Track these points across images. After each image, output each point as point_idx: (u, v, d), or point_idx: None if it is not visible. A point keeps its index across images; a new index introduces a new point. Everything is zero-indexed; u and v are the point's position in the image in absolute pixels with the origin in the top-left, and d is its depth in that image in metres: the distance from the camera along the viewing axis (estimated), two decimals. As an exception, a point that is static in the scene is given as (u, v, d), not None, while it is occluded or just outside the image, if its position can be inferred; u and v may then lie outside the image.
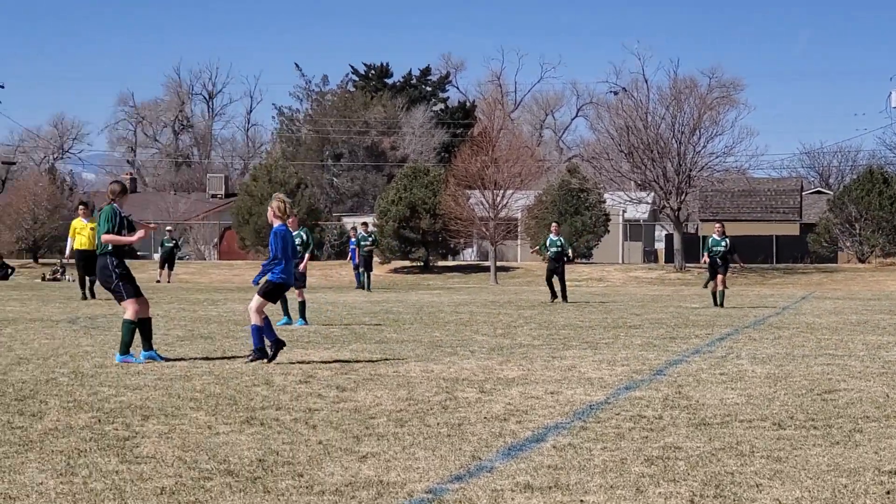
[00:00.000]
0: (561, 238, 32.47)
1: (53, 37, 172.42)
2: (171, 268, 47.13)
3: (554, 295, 31.67)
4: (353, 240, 42.16)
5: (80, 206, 30.25)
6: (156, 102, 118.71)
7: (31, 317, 22.55)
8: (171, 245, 47.22)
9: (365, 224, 44.09)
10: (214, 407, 10.53)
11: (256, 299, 14.24)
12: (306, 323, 21.34)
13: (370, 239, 41.95)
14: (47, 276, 51.55)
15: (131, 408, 10.45)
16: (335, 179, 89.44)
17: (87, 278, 28.95)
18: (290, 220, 16.58)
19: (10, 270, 52.09)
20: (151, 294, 34.07)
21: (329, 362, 14.40)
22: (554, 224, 34.51)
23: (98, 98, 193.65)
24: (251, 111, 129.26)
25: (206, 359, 14.67)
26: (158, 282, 45.51)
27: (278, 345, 14.11)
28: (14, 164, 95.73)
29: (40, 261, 61.29)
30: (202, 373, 13.10)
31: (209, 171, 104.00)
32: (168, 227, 51.04)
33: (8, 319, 21.63)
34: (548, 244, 32.13)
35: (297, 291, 20.90)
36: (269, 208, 14.67)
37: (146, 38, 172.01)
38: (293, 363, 14.17)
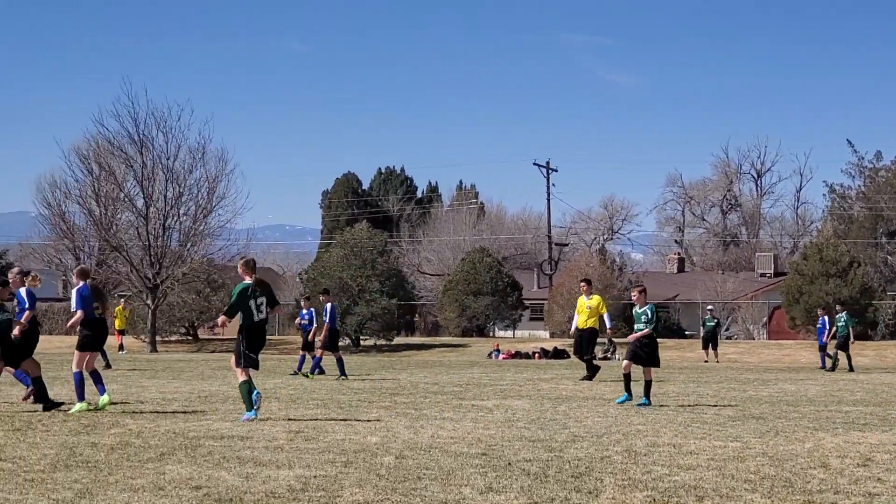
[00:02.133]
0: None
1: (601, 122, 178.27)
2: (714, 347, 47.58)
3: None
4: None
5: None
6: (704, 182, 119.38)
7: (584, 395, 23.06)
8: (713, 324, 48.01)
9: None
10: (770, 489, 10.27)
11: None
12: None
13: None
14: (598, 356, 52.75)
15: (685, 488, 10.37)
16: (889, 257, 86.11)
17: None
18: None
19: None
20: (701, 373, 34.03)
21: (887, 445, 13.71)
22: None
23: (647, 179, 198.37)
24: (801, 189, 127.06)
25: (759, 439, 14.37)
26: (706, 361, 45.84)
27: None
28: (566, 245, 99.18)
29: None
30: (756, 454, 12.84)
31: (757, 250, 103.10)
32: (709, 307, 51.53)
33: (562, 397, 22.24)
34: None
35: None
36: None
37: (694, 120, 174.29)
38: (849, 444, 13.61)
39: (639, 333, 19.94)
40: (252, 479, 10.55)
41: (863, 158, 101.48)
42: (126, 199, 64.26)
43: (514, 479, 10.78)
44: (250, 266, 16.95)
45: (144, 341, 60.61)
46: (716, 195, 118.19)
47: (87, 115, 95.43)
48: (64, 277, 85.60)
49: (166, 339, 64.18)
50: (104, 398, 17.79)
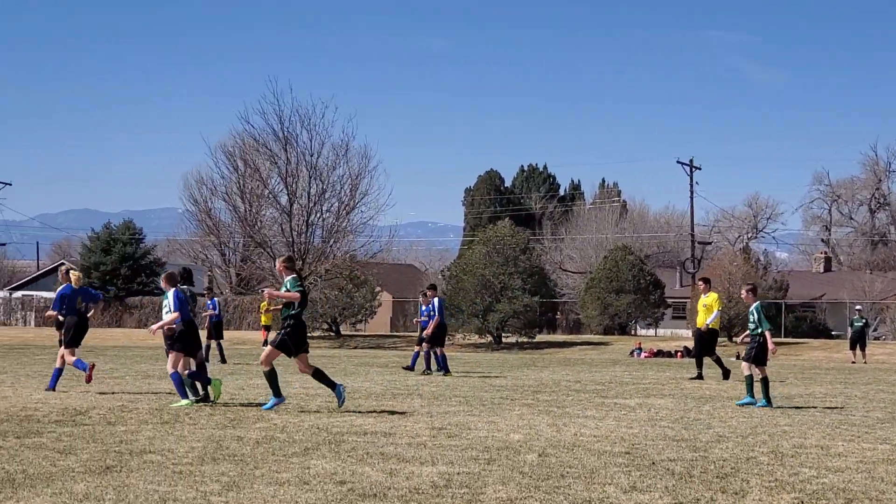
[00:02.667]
0: None
1: (746, 120, 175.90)
2: (862, 348, 46.86)
3: None
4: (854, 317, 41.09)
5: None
6: (851, 180, 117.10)
7: (728, 395, 22.77)
8: (861, 324, 47.20)
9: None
10: (922, 494, 10.01)
11: None
12: None
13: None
14: (741, 355, 52.08)
15: (834, 490, 10.18)
16: None
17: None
18: None
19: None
20: (848, 374, 33.36)
21: None
22: None
23: (793, 178, 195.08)
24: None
25: (910, 443, 14.03)
26: (854, 362, 45.01)
27: None
28: (710, 243, 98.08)
29: (734, 339, 62.13)
30: (907, 457, 12.54)
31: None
32: (857, 307, 50.76)
33: (705, 397, 22.00)
34: None
35: None
36: None
37: (841, 118, 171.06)
38: None
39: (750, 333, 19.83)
40: (395, 475, 10.61)
41: None
42: (270, 196, 65.23)
43: (659, 478, 10.68)
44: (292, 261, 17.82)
45: (287, 337, 61.36)
46: (864, 193, 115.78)
47: (233, 113, 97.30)
48: (209, 273, 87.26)
49: (309, 335, 64.89)
50: (216, 384, 18.49)
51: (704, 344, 28.55)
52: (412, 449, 12.49)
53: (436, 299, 29.60)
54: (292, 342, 16.83)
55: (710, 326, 28.32)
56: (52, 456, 11.44)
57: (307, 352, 17.08)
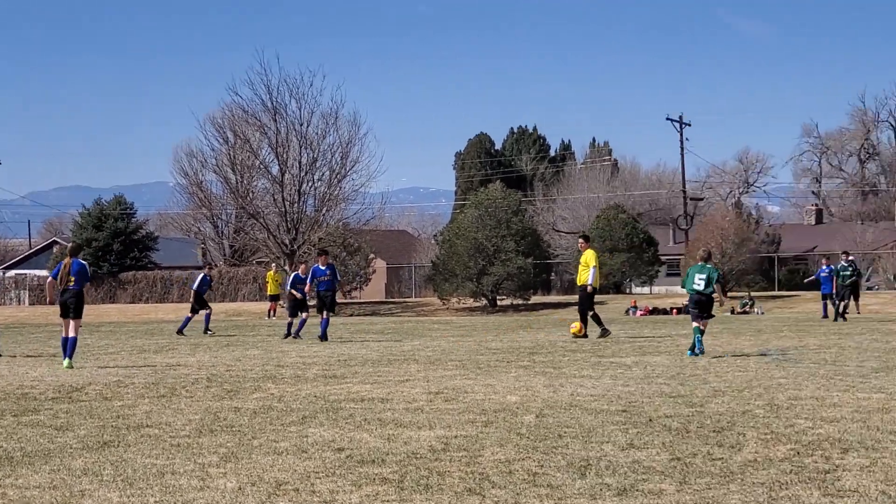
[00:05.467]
0: None
1: (734, 74, 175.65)
2: (856, 298, 46.24)
3: None
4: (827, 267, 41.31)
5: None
6: (841, 132, 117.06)
7: (723, 349, 22.83)
8: (849, 273, 46.46)
9: (846, 253, 42.44)
10: (917, 441, 10.06)
11: None
12: None
13: (849, 269, 39.67)
14: (737, 310, 52.14)
15: (829, 440, 10.22)
16: None
17: None
18: None
19: (750, 302, 53.28)
20: (842, 325, 33.45)
21: None
22: None
23: (782, 130, 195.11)
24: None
25: (905, 391, 14.09)
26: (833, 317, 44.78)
27: None
28: (702, 199, 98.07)
29: (729, 295, 62.20)
30: (902, 406, 12.60)
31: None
32: (843, 253, 50.35)
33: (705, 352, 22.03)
34: None
35: None
36: None
37: (829, 69, 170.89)
38: None
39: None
40: (393, 440, 10.64)
41: None
42: (261, 167, 65.10)
43: (656, 434, 10.72)
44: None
45: (283, 307, 61.49)
46: (853, 144, 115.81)
47: (221, 84, 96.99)
48: (202, 245, 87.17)
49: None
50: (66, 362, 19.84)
51: (589, 300, 28.66)
52: (409, 414, 12.52)
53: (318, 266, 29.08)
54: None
55: (592, 285, 28.34)
56: (49, 433, 11.46)
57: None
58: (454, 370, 18.46)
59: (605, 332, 27.78)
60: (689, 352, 21.37)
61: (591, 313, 28.31)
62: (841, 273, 39.65)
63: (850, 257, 41.15)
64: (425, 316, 55.29)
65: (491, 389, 15.04)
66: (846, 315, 38.29)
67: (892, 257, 73.74)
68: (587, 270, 28.26)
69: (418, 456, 9.76)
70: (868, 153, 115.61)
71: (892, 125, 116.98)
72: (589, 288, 28.18)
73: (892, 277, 72.05)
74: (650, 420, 11.74)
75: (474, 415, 12.37)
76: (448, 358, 21.44)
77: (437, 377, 17.10)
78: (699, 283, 21.60)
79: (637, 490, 8.25)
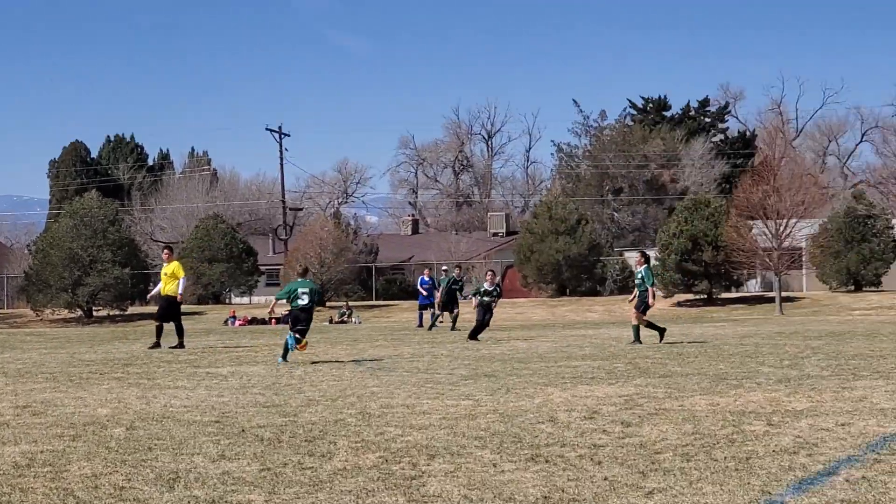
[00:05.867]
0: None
1: (333, 87, 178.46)
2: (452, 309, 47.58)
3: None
4: (442, 278, 42.67)
5: None
6: (436, 144, 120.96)
7: (319, 359, 23.10)
8: (448, 282, 47.65)
9: (459, 266, 46.74)
10: (499, 445, 10.48)
11: None
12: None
13: (459, 284, 42.66)
14: (335, 320, 52.90)
15: (417, 447, 10.49)
16: (616, 214, 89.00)
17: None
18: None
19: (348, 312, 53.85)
20: (435, 333, 34.49)
21: (613, 397, 14.20)
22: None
23: (380, 143, 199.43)
24: (530, 149, 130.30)
25: (490, 396, 14.67)
26: (442, 322, 46.08)
27: None
28: (301, 209, 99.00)
29: (327, 304, 63.04)
30: (487, 411, 13.09)
31: (490, 210, 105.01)
32: (444, 268, 51.49)
33: (297, 362, 22.20)
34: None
35: None
36: None
37: (425, 83, 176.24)
38: (577, 398, 14.05)
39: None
40: (-25, 458, 10.16)
41: (588, 118, 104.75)
42: None
43: (248, 445, 10.70)
44: None
45: None
46: (448, 156, 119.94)
47: None
48: None
49: None
50: None
51: (174, 312, 29.04)
52: (-7, 431, 12.00)
53: None
54: None
55: (178, 296, 28.86)
56: None
57: None
58: (44, 383, 17.84)
59: (172, 347, 27.84)
60: (280, 359, 22.06)
61: (178, 323, 28.55)
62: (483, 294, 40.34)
63: (497, 279, 41.83)
64: (18, 328, 53.23)
65: (81, 402, 14.62)
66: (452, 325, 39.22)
67: (485, 267, 76.71)
68: (173, 280, 28.37)
69: (1, 472, 9.36)
70: (462, 165, 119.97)
71: (484, 138, 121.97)
72: (180, 298, 28.36)
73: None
74: (243, 430, 11.71)
75: (62, 429, 11.99)
76: (39, 370, 20.70)
77: (26, 390, 16.47)
78: (303, 297, 22.18)
79: (225, 501, 8.22)
